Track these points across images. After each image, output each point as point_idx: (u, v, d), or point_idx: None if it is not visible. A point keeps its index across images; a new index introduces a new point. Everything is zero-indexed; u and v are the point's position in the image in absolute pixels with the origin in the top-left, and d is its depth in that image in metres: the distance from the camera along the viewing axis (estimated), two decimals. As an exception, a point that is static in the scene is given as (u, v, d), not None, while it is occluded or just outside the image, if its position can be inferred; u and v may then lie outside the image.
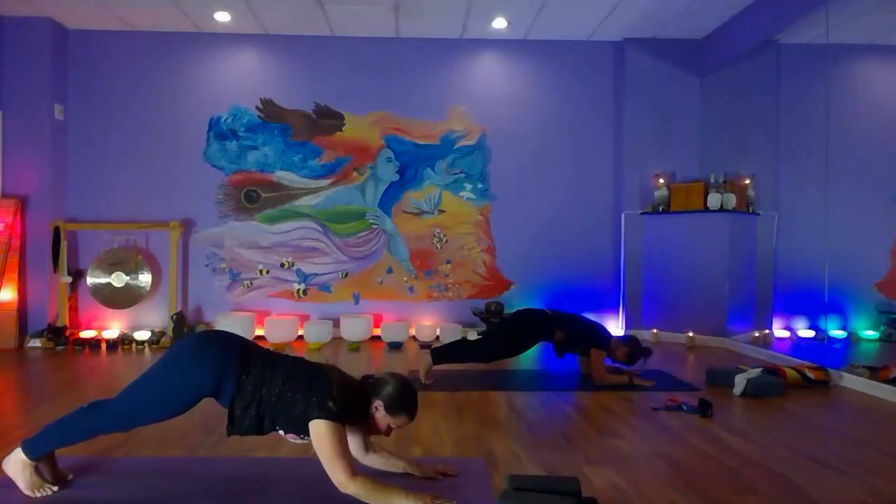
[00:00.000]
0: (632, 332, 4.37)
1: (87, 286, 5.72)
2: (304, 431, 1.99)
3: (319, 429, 1.94)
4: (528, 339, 4.03)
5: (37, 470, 2.10)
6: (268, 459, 2.53)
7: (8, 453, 2.11)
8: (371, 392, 2.08)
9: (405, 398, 2.08)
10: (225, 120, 5.97)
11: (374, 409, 2.07)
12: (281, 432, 2.06)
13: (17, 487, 2.10)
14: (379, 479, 2.03)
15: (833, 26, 4.76)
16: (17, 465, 2.07)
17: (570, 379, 4.19)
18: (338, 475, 1.91)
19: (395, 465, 2.25)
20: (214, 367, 2.01)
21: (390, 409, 2.06)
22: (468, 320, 5.99)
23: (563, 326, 4.00)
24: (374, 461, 2.25)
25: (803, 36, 5.53)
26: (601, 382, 3.92)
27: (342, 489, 1.92)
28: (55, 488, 2.10)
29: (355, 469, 1.95)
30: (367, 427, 2.14)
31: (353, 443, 2.22)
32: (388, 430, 2.11)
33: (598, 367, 3.96)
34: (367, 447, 2.24)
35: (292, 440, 2.08)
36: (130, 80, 5.92)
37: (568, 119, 6.18)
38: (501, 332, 4.25)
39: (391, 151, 6.05)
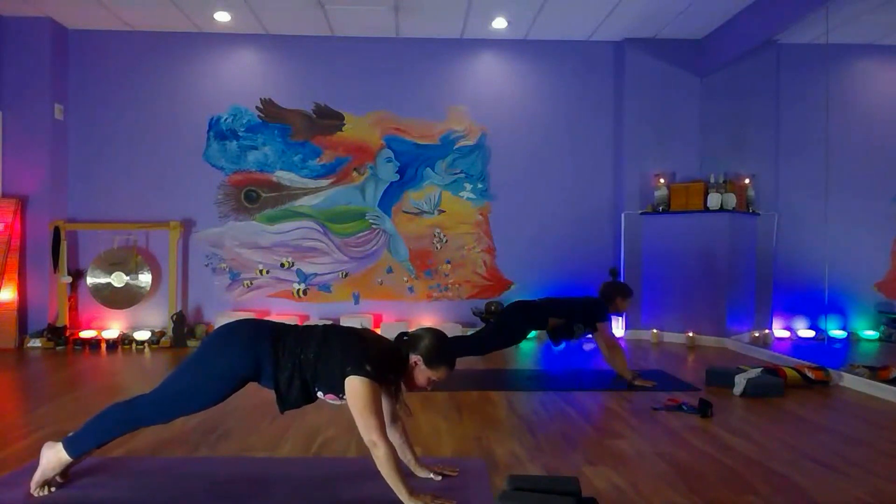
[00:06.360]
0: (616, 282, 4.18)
1: (87, 286, 5.72)
2: (342, 390, 2.01)
3: (354, 384, 1.96)
4: (520, 329, 4.02)
5: (64, 470, 2.11)
6: (268, 459, 2.53)
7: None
8: (408, 349, 2.10)
9: (443, 349, 2.11)
10: (225, 120, 5.97)
11: (412, 365, 2.10)
12: (320, 394, 2.08)
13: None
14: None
15: (833, 26, 4.77)
16: (53, 460, 2.07)
17: (571, 379, 4.19)
18: (370, 431, 1.93)
19: (405, 452, 2.24)
20: (250, 347, 2.05)
21: (429, 361, 2.08)
22: (468, 320, 5.99)
23: (557, 313, 3.99)
24: (393, 436, 2.21)
25: (803, 36, 5.53)
26: (614, 359, 3.97)
27: (370, 446, 1.94)
28: (54, 489, 2.10)
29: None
30: (406, 384, 2.15)
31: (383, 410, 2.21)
32: (429, 383, 2.13)
33: (609, 339, 4.00)
34: (394, 418, 2.22)
35: (331, 401, 2.09)
36: (130, 79, 5.91)
37: (568, 119, 6.17)
38: (494, 324, 4.25)
39: (391, 151, 6.05)
